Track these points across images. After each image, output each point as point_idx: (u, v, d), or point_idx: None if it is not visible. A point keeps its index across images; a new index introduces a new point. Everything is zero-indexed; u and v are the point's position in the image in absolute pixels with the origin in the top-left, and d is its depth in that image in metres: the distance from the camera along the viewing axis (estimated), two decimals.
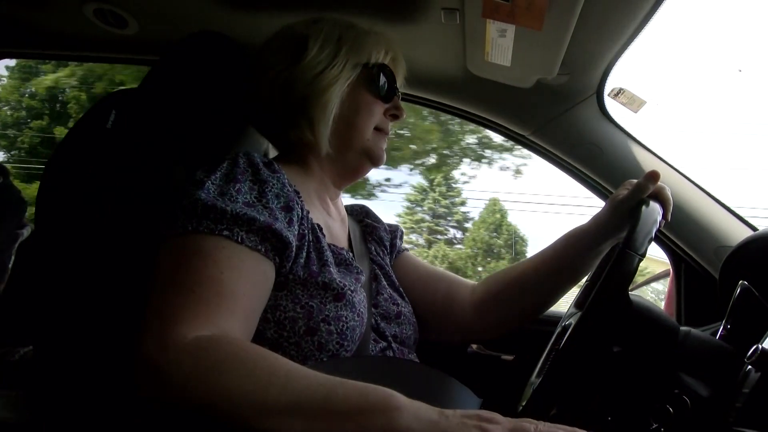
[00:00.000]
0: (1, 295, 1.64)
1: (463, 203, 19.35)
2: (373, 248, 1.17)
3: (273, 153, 1.24)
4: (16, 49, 1.70)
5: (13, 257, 1.72)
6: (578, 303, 1.06)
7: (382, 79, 1.07)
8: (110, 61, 1.65)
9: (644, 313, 0.85)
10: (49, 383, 1.01)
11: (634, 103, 1.43)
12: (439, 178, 18.25)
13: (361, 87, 1.06)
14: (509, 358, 1.52)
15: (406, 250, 1.28)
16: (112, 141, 1.06)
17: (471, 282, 1.25)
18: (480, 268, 17.53)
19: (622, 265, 0.80)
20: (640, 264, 0.80)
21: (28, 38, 1.62)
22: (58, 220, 1.05)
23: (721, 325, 0.99)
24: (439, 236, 19.01)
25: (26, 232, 1.76)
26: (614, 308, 0.80)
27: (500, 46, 1.22)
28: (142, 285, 0.83)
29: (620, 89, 1.43)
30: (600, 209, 1.09)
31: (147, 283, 0.81)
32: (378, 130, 1.09)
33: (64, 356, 1.01)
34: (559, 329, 1.03)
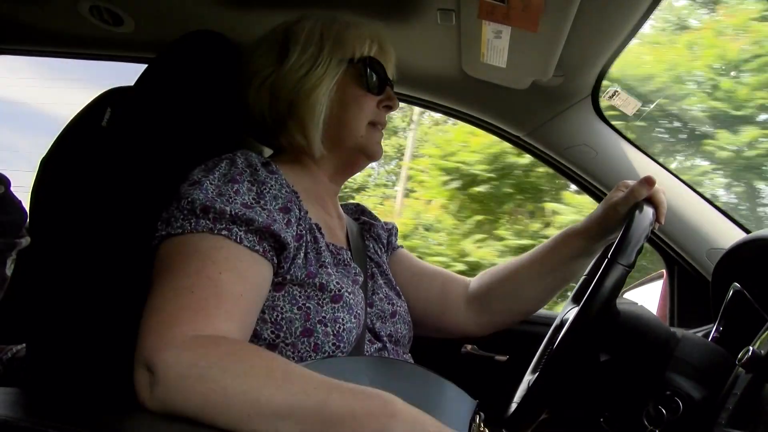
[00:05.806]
0: None
1: None
2: (371, 245, 1.17)
3: (268, 151, 1.23)
4: (9, 46, 1.69)
5: (12, 265, 1.72)
6: (575, 297, 1.07)
7: (370, 72, 1.05)
8: (106, 58, 1.64)
9: (635, 322, 0.86)
10: (43, 381, 1.01)
11: (629, 105, 1.44)
12: None
13: (350, 83, 1.04)
14: (503, 358, 1.52)
15: (401, 247, 1.28)
16: (108, 139, 1.06)
17: (466, 279, 1.25)
18: None
19: (609, 276, 0.80)
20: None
21: (22, 36, 1.61)
22: (52, 218, 1.05)
23: (713, 327, 1.00)
24: None
25: (25, 242, 1.76)
26: (601, 319, 0.80)
27: (496, 48, 1.22)
28: (135, 283, 0.82)
29: (615, 91, 1.43)
30: (594, 210, 1.10)
31: (141, 281, 0.81)
32: (372, 124, 1.07)
33: (59, 354, 1.01)
34: (557, 322, 1.04)
